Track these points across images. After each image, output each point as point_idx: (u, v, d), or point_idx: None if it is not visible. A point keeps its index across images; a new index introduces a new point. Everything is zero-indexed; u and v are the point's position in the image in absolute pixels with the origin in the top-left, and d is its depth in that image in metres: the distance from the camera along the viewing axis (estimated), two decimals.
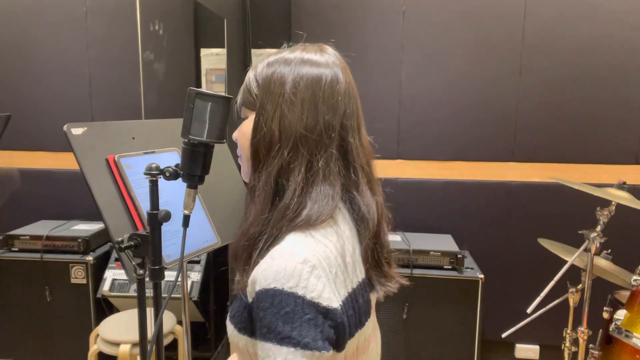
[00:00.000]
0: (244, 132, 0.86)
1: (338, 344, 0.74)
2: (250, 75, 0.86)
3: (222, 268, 2.67)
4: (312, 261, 0.72)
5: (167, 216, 1.06)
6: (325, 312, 0.71)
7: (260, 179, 0.80)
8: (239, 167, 1.67)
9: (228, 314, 0.82)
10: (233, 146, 1.58)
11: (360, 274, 0.82)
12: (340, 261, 0.76)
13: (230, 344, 0.82)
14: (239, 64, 2.78)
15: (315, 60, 0.82)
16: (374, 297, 0.88)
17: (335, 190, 0.79)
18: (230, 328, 0.81)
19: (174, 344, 2.16)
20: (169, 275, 1.32)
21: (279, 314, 0.68)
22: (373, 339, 0.89)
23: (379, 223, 0.85)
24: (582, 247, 1.90)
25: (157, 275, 1.09)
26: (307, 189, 0.78)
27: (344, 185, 0.83)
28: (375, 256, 0.85)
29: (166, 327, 2.11)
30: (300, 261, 0.71)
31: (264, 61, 0.85)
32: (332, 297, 0.72)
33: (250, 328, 0.76)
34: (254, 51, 2.81)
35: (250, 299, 0.74)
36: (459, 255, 2.38)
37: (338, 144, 0.82)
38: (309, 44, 0.87)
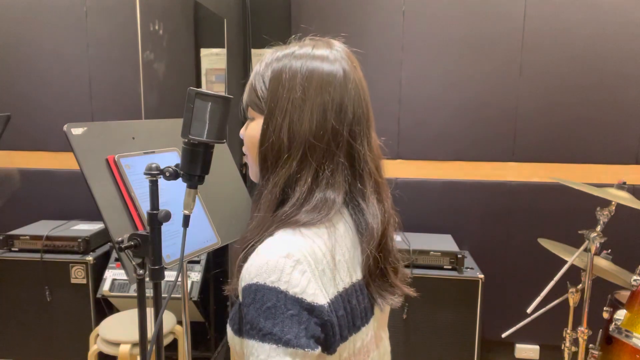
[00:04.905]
0: (250, 135, 0.84)
1: (327, 345, 0.72)
2: (256, 73, 0.83)
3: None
4: (296, 255, 0.70)
5: (167, 216, 1.06)
6: (310, 309, 0.68)
7: (267, 187, 0.79)
8: (240, 167, 1.67)
9: (228, 318, 0.81)
10: (233, 146, 1.58)
11: (354, 275, 0.79)
12: (329, 258, 0.74)
13: (231, 348, 0.80)
14: (239, 64, 2.78)
15: (324, 63, 0.79)
16: (387, 308, 0.85)
17: (337, 198, 0.78)
18: (228, 331, 0.79)
19: (174, 344, 2.16)
20: (169, 275, 1.32)
21: (261, 310, 0.67)
22: (374, 348, 0.85)
23: (384, 231, 0.82)
24: (582, 247, 1.90)
25: (157, 275, 1.09)
26: (309, 197, 0.77)
27: (349, 193, 0.81)
28: (380, 266, 0.82)
29: (166, 327, 2.10)
30: (284, 255, 0.69)
31: (270, 57, 0.82)
32: (318, 294, 0.70)
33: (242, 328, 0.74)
34: (254, 51, 2.81)
35: (240, 298, 0.72)
36: (459, 255, 2.38)
37: (346, 151, 0.79)
38: (318, 40, 0.84)
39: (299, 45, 0.82)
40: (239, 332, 0.76)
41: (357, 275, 0.80)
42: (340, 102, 0.78)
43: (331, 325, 0.71)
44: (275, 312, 0.66)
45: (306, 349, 0.66)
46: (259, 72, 0.83)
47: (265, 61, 0.83)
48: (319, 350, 0.69)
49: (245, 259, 0.73)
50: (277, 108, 0.78)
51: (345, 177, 0.79)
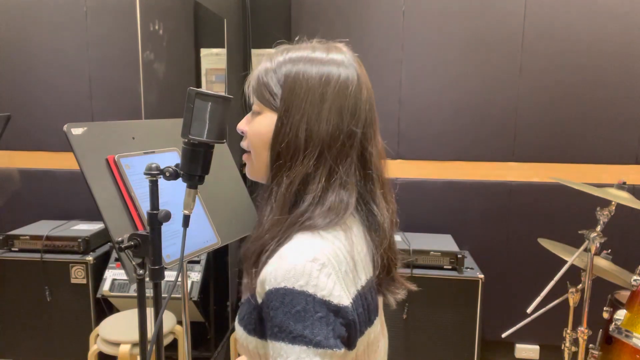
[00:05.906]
0: (258, 131, 0.83)
1: (350, 342, 0.74)
2: (267, 69, 0.82)
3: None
4: (321, 259, 0.72)
5: (167, 216, 1.06)
6: (337, 310, 0.71)
7: (281, 185, 0.79)
8: (240, 167, 1.66)
9: (237, 317, 0.82)
10: (233, 146, 1.58)
11: (368, 273, 0.81)
12: (349, 259, 0.76)
13: (239, 347, 0.81)
14: (239, 64, 2.78)
15: (340, 68, 0.80)
16: (380, 298, 0.88)
17: (351, 199, 0.79)
18: (239, 331, 0.80)
19: (174, 344, 2.16)
20: (169, 275, 1.32)
21: (290, 313, 0.68)
22: (382, 337, 0.89)
23: (391, 231, 0.86)
24: (582, 247, 1.90)
25: (157, 275, 1.09)
26: (324, 197, 0.78)
27: (360, 194, 0.82)
28: (387, 263, 0.85)
29: (166, 327, 2.11)
30: (310, 259, 0.71)
31: (284, 55, 0.82)
32: (343, 295, 0.72)
33: (260, 329, 0.76)
34: (254, 51, 2.81)
35: (259, 300, 0.74)
36: (459, 255, 2.38)
37: (358, 152, 0.82)
38: (327, 43, 0.84)
39: (311, 48, 0.82)
40: (254, 332, 0.77)
41: (370, 273, 0.82)
42: (355, 105, 0.80)
43: (354, 323, 0.74)
44: (304, 315, 0.68)
45: (334, 349, 0.69)
46: (270, 69, 0.82)
47: (277, 59, 0.82)
48: (344, 349, 0.72)
49: (265, 262, 0.74)
50: (293, 106, 0.78)
51: (357, 179, 0.81)
